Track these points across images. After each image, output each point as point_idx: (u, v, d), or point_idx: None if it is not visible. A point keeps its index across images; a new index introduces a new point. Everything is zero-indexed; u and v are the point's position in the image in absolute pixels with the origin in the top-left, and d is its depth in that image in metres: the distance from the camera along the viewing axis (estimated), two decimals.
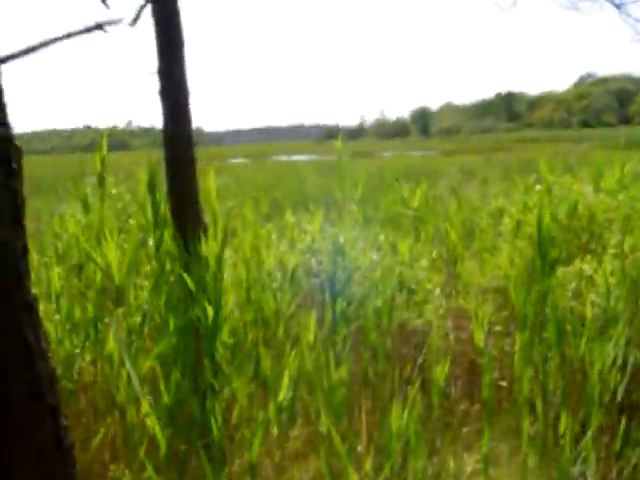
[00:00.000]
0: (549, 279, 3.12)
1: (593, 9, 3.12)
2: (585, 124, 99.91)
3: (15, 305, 1.74)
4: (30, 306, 1.80)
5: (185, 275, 2.82)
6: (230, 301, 2.79)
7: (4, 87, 1.96)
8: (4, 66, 2.02)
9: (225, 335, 2.63)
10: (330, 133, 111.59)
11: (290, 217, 4.62)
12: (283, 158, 40.67)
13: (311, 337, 2.66)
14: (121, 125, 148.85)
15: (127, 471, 2.61)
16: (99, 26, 2.24)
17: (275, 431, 2.54)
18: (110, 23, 2.38)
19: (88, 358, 2.96)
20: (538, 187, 4.51)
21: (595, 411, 2.67)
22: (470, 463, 2.81)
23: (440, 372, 2.80)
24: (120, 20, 2.38)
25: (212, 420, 2.46)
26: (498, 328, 3.90)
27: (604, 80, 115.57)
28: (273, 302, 3.15)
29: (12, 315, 1.75)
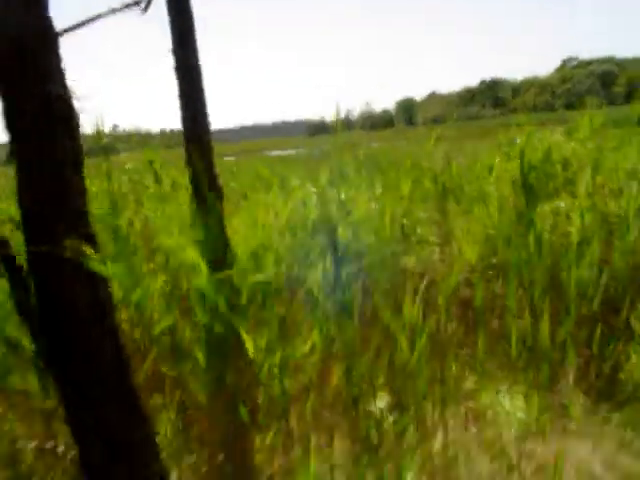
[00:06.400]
0: (533, 211, 3.57)
1: None
2: (569, 107, 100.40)
3: (77, 237, 1.87)
4: (91, 237, 1.95)
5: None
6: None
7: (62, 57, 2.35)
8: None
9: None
10: (316, 128, 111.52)
11: (295, 181, 4.97)
12: (274, 153, 40.60)
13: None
14: (107, 130, 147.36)
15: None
16: (136, 2, 2.63)
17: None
18: (144, 1, 2.76)
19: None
20: (518, 140, 4.91)
21: (573, 307, 3.14)
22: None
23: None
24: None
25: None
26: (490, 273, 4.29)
27: (587, 63, 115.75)
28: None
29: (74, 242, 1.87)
